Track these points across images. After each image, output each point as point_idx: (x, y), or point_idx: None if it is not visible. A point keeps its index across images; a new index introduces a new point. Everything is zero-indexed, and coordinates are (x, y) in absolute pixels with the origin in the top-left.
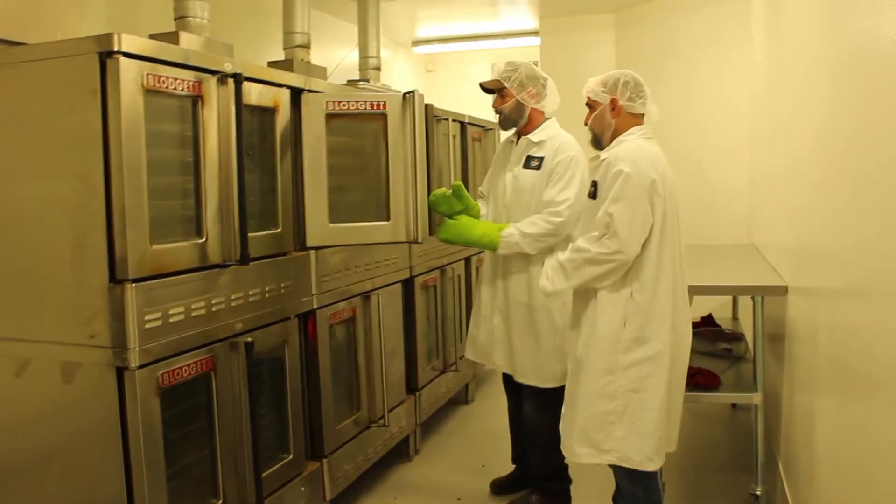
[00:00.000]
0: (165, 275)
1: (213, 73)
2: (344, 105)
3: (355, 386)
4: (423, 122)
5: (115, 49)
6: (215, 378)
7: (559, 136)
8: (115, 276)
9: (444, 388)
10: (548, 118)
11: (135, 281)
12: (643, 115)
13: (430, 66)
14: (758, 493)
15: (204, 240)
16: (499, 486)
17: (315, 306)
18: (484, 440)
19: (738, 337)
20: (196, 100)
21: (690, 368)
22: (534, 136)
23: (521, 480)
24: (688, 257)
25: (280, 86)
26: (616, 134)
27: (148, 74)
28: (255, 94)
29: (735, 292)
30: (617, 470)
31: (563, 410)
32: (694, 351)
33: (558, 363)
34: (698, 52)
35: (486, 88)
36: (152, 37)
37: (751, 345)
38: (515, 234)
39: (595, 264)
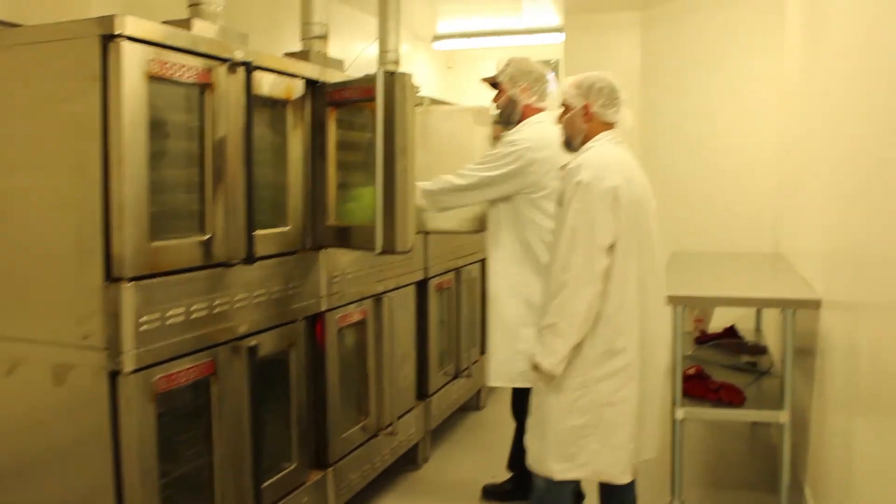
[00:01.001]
0: (165, 273)
1: (222, 60)
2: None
3: (364, 392)
4: (410, 107)
5: (118, 32)
6: (216, 383)
7: (524, 130)
8: (111, 274)
9: (455, 395)
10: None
11: (132, 280)
12: (615, 123)
13: (450, 63)
14: None
15: (208, 237)
16: (488, 493)
17: (323, 308)
18: (495, 448)
19: (761, 350)
20: (204, 88)
21: (713, 383)
22: (509, 133)
23: (514, 492)
24: (712, 266)
25: (294, 76)
26: (586, 139)
27: (152, 60)
28: (267, 85)
29: (764, 305)
30: (535, 474)
31: (528, 422)
32: (716, 364)
33: (521, 362)
34: (726, 52)
35: (490, 84)
36: (165, 23)
37: (775, 358)
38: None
39: (570, 300)
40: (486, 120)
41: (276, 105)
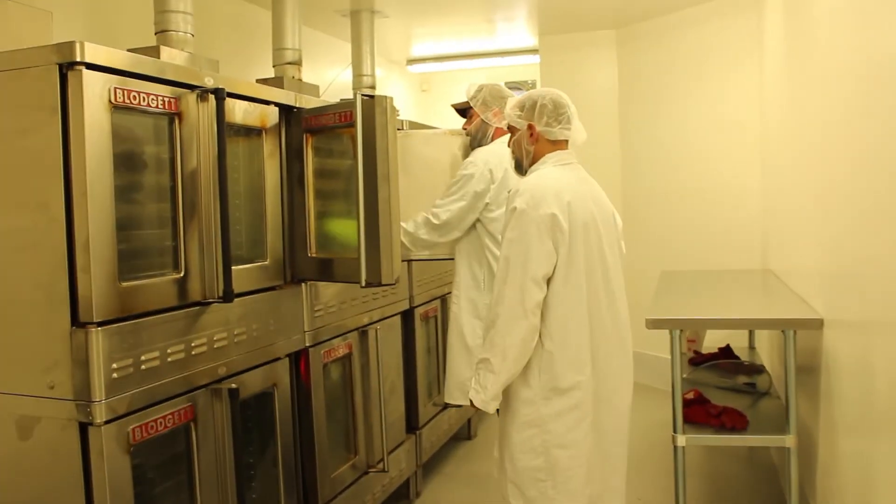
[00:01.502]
0: (137, 315)
1: (192, 88)
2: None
3: (352, 428)
4: (391, 131)
5: (78, 59)
6: (196, 429)
7: (479, 154)
8: (78, 319)
9: (445, 425)
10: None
11: (101, 324)
12: (566, 140)
13: (424, 86)
14: None
15: (182, 275)
16: None
17: (307, 344)
18: (488, 479)
19: (758, 369)
20: (173, 118)
21: (714, 408)
22: (471, 156)
23: None
24: (701, 284)
25: (268, 103)
26: (534, 161)
27: (116, 89)
28: (240, 112)
29: (764, 326)
30: None
31: (495, 450)
32: (714, 386)
33: None
34: (704, 69)
35: (458, 111)
36: (131, 51)
37: (773, 377)
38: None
39: (501, 334)
40: (464, 143)
41: (250, 133)
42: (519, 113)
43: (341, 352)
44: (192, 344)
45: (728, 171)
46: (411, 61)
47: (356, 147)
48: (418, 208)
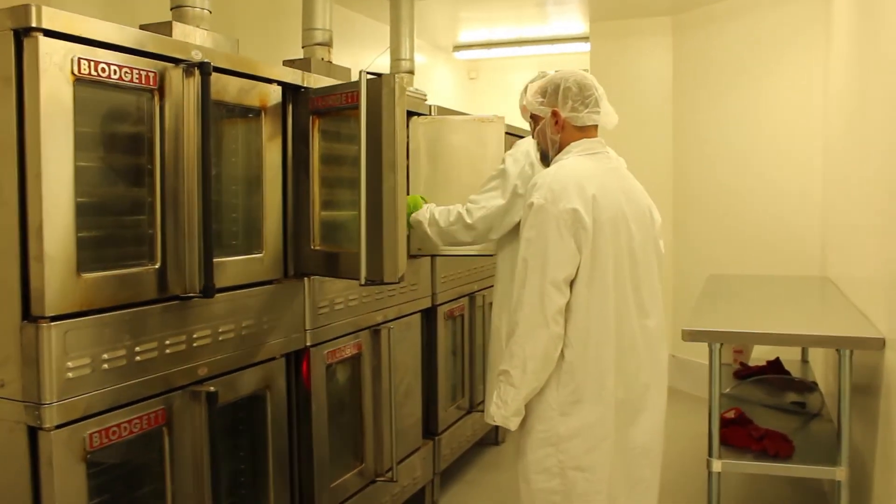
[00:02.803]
0: (101, 310)
1: (175, 61)
2: (325, 100)
3: (360, 434)
4: (399, 114)
5: (34, 25)
6: (170, 435)
7: (522, 145)
8: (30, 313)
9: (469, 431)
10: None
11: (55, 319)
12: (595, 125)
13: (472, 74)
14: None
15: (158, 266)
16: None
17: (308, 344)
18: (513, 488)
19: (810, 387)
20: (153, 94)
21: (756, 430)
22: (513, 147)
23: None
24: (750, 290)
25: (270, 81)
26: (561, 150)
27: (80, 59)
28: (234, 90)
29: (817, 344)
30: None
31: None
32: (759, 404)
33: None
34: (767, 58)
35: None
36: (143, 27)
37: (826, 396)
38: (424, 219)
39: (521, 344)
40: (499, 131)
41: (248, 114)
42: (541, 99)
43: (349, 352)
44: (167, 342)
45: (787, 169)
46: (458, 47)
47: (360, 131)
48: (442, 203)
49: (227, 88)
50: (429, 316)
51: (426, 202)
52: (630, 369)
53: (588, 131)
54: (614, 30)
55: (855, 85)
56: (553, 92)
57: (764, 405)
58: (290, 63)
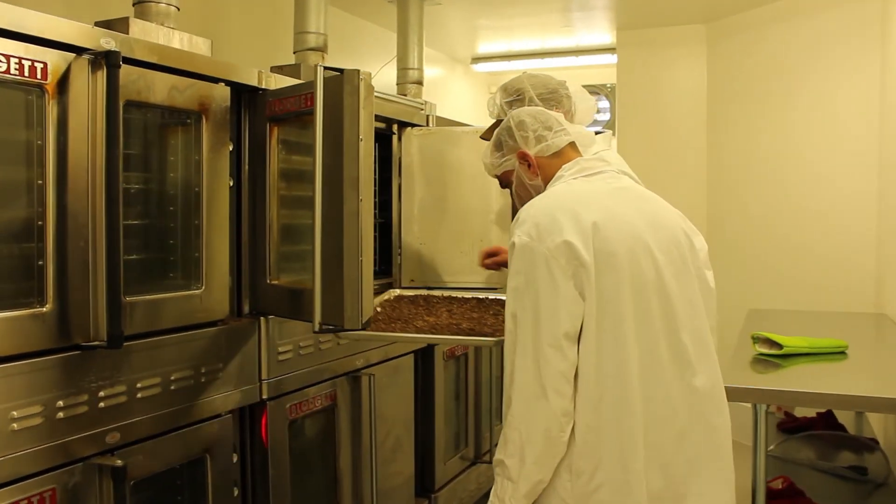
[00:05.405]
0: None
1: (77, 50)
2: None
3: (335, 499)
4: (366, 119)
5: None
6: None
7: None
8: None
9: (473, 485)
10: None
11: None
12: (571, 143)
13: (493, 87)
14: None
15: (50, 309)
16: None
17: (265, 397)
18: None
19: (869, 446)
20: (42, 89)
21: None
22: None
23: None
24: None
25: (215, 80)
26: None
27: None
28: (163, 89)
29: (877, 409)
30: None
31: None
32: (811, 467)
33: None
34: (813, 70)
35: None
36: (98, 24)
37: (890, 457)
38: None
39: (515, 425)
40: None
41: (185, 119)
42: (499, 153)
43: (319, 403)
44: (59, 404)
45: (840, 192)
46: (476, 59)
47: (315, 139)
48: (440, 227)
49: (153, 87)
50: (424, 357)
51: None
52: (667, 447)
53: (571, 153)
54: (643, 39)
55: None
56: (508, 136)
57: (816, 468)
58: (278, 69)
